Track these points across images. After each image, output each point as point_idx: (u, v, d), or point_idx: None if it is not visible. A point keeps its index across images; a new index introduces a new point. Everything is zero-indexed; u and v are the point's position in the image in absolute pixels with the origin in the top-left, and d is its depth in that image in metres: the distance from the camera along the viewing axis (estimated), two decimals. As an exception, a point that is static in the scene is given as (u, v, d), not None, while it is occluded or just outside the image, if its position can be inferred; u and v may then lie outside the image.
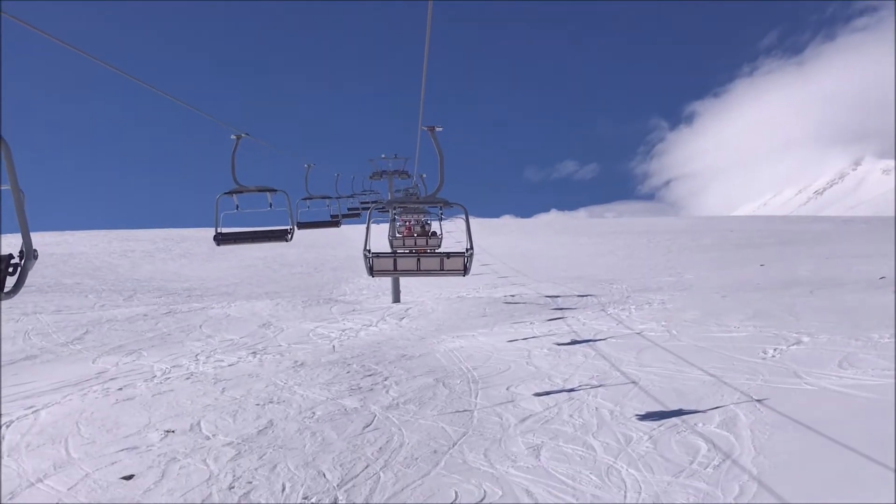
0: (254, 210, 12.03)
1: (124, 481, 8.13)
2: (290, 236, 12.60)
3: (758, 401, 9.58)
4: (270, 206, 11.94)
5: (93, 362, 16.56)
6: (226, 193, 11.61)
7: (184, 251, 52.41)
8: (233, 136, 11.27)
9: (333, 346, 16.97)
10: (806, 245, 45.22)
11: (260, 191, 11.73)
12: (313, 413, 10.62)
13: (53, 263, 42.14)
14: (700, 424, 8.92)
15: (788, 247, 45.08)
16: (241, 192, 11.62)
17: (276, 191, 11.89)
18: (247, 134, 11.28)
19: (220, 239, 12.31)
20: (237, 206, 11.79)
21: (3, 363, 16.91)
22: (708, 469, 7.50)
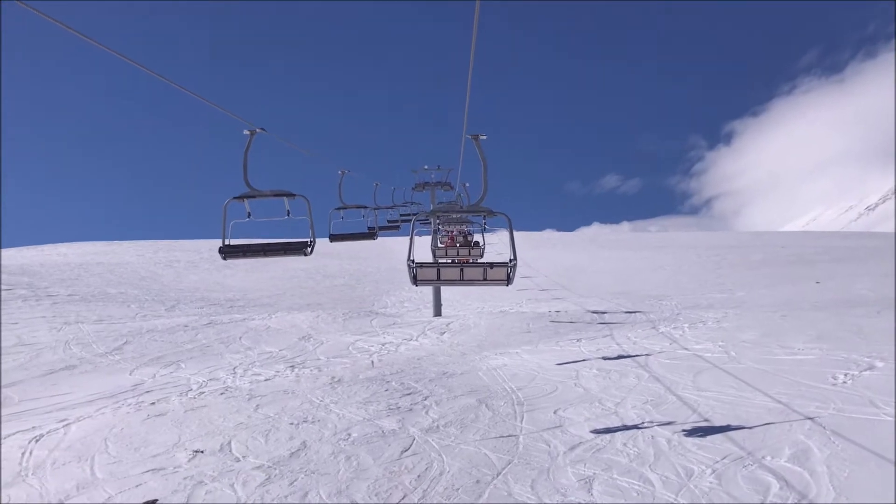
0: (268, 219, 10.32)
1: (147, 506, 7.67)
2: (309, 250, 10.56)
3: (832, 432, 8.72)
4: (288, 213, 10.17)
5: (130, 374, 16.32)
6: (235, 198, 9.87)
7: (228, 262, 52.63)
8: (246, 132, 9.84)
9: (372, 362, 16.44)
10: (860, 262, 43.50)
11: (276, 195, 10.01)
12: (349, 434, 10.07)
13: (100, 273, 42.62)
14: (768, 458, 8.12)
15: (843, 264, 43.41)
16: (253, 196, 9.94)
17: (294, 196, 10.13)
18: (262, 129, 9.91)
19: (227, 252, 10.29)
20: (249, 214, 10.02)
21: (42, 373, 16.79)
22: (782, 511, 6.73)
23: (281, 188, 9.90)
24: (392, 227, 24.52)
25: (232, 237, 10.14)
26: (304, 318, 24.33)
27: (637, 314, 23.47)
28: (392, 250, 58.92)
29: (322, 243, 18.68)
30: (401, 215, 25.71)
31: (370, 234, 19.93)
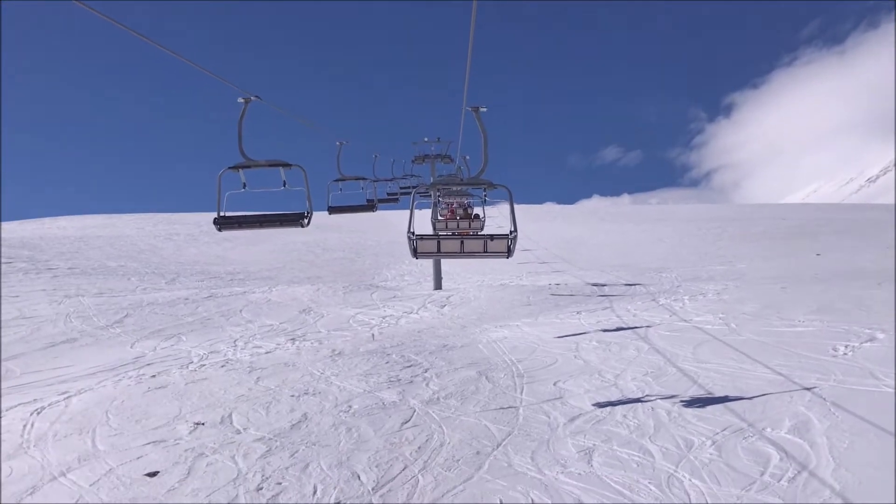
0: (265, 189, 10.01)
1: (148, 478, 7.67)
2: (306, 221, 10.26)
3: (832, 404, 8.72)
4: (284, 184, 9.92)
5: (131, 346, 16.34)
6: (230, 168, 9.57)
7: (228, 234, 52.53)
8: (240, 100, 9.56)
9: (373, 335, 16.45)
10: (862, 234, 43.41)
11: (272, 165, 9.70)
12: (349, 406, 10.08)
13: (100, 246, 42.56)
14: (769, 429, 8.12)
15: (844, 236, 43.33)
16: (248, 167, 9.54)
17: (290, 166, 9.85)
18: (257, 97, 9.62)
19: (222, 223, 10.04)
20: (244, 185, 9.73)
21: (43, 346, 16.81)
22: (782, 482, 6.72)
23: (277, 158, 9.65)
24: (391, 200, 24.30)
25: (228, 209, 9.88)
26: (305, 292, 24.34)
27: (637, 286, 23.46)
28: (392, 223, 58.84)
29: (321, 216, 18.50)
30: (400, 188, 25.50)
31: (369, 207, 19.68)
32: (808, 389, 9.40)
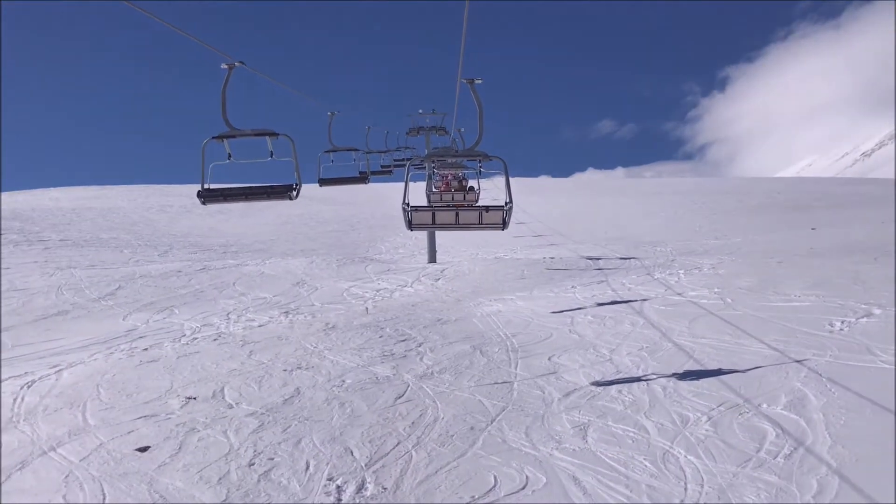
0: (251, 161, 9.46)
1: (139, 453, 7.59)
2: (295, 193, 9.72)
3: (828, 379, 8.67)
4: (271, 154, 9.37)
5: (123, 319, 16.25)
6: (214, 138, 9.04)
7: (221, 207, 52.22)
8: (224, 66, 8.99)
9: (367, 308, 16.36)
10: (856, 208, 43.47)
11: (258, 135, 9.15)
12: (343, 381, 10.00)
13: (92, 217, 42.33)
14: (764, 405, 8.06)
15: (839, 210, 43.38)
16: (233, 136, 9.05)
17: (277, 135, 9.28)
18: (241, 62, 9.00)
19: (206, 196, 9.49)
20: (230, 156, 9.21)
21: (35, 318, 16.69)
22: (778, 459, 6.67)
23: (265, 128, 9.23)
24: (385, 173, 23.96)
25: (214, 180, 9.48)
26: (298, 264, 24.23)
27: (632, 260, 23.39)
28: (387, 196, 58.55)
29: (313, 188, 18.19)
30: (394, 160, 25.19)
31: (361, 179, 19.19)
32: (804, 364, 9.34)
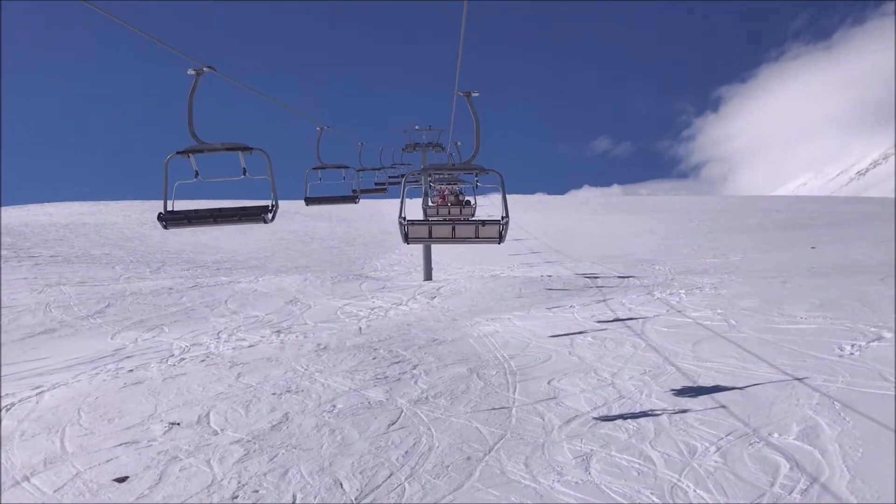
0: (224, 179, 8.48)
1: (117, 483, 7.18)
2: (270, 216, 8.54)
3: (842, 407, 8.28)
4: (244, 171, 8.25)
5: (111, 338, 15.86)
6: (179, 153, 8.06)
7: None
8: (191, 72, 8.14)
9: (360, 328, 15.95)
10: (855, 226, 43.19)
11: (228, 149, 8.10)
12: (333, 406, 9.59)
13: (85, 233, 41.84)
14: (775, 434, 7.68)
15: (837, 228, 43.08)
16: (200, 151, 8.08)
17: (251, 150, 8.19)
18: (211, 67, 8.05)
19: (168, 218, 8.36)
20: (196, 173, 8.15)
21: (21, 336, 16.28)
22: (794, 494, 6.28)
23: (237, 142, 8.29)
24: (379, 190, 23.52)
25: (181, 198, 8.38)
26: (292, 282, 23.81)
27: (630, 279, 23.03)
28: (383, 213, 58.24)
29: (301, 206, 17.61)
30: (389, 177, 24.79)
31: (351, 198, 18.44)
32: (816, 390, 8.97)
